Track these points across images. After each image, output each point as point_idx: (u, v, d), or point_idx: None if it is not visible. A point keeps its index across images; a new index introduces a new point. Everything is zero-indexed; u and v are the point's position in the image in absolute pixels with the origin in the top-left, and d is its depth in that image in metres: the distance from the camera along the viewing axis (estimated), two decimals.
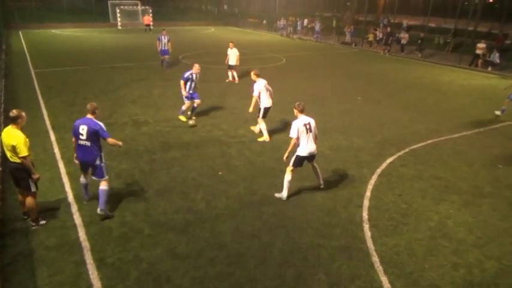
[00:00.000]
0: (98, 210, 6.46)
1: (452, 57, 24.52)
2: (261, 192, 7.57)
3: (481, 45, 21.81)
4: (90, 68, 18.80)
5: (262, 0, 55.45)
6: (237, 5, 51.56)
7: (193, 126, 10.86)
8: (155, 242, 6.02)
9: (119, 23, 38.65)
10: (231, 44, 16.28)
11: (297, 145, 7.16)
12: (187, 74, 10.81)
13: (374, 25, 32.69)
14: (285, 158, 7.27)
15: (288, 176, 7.29)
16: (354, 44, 30.58)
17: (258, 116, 9.99)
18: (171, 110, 12.38)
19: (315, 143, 7.23)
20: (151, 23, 36.55)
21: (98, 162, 6.41)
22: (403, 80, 18.56)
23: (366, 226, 6.56)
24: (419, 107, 13.86)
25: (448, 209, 7.21)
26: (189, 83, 10.86)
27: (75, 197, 7.09)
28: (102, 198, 6.48)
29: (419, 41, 25.75)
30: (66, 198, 7.08)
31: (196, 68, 10.80)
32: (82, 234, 6.12)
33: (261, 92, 9.70)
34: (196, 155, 9.17)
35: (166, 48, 18.31)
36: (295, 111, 7.17)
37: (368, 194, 7.63)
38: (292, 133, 7.07)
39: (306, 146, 7.15)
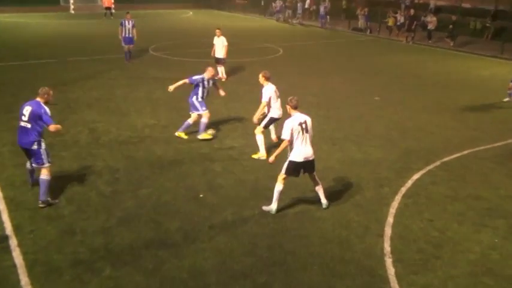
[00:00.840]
0: (39, 203, 7.49)
1: (493, 46, 24.94)
2: (254, 219, 7.54)
3: None
4: (34, 63, 18.76)
5: None
6: None
7: (211, 137, 10.82)
8: (118, 285, 5.95)
9: (72, 6, 38.76)
10: (217, 31, 16.43)
11: (290, 148, 7.44)
12: (197, 78, 10.58)
13: (394, 7, 33.19)
14: (270, 160, 7.69)
15: (278, 186, 7.57)
16: (369, 31, 30.98)
17: (259, 125, 9.99)
18: (139, 116, 12.37)
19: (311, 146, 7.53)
20: (112, 6, 36.71)
21: (35, 146, 7.39)
22: (431, 75, 18.79)
23: (389, 261, 6.56)
24: (451, 108, 14.02)
25: (492, 237, 7.25)
26: (200, 90, 10.65)
27: (16, 228, 7.00)
28: (42, 189, 7.47)
29: (450, 26, 26.19)
30: (3, 230, 6.98)
31: (210, 72, 10.63)
32: (24, 277, 6.01)
33: (271, 98, 9.79)
34: (171, 172, 9.13)
35: (130, 35, 18.49)
36: (288, 107, 7.49)
37: (390, 219, 7.64)
38: (285, 134, 7.37)
39: (301, 150, 7.41)
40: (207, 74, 10.64)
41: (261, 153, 9.95)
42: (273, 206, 7.64)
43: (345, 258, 6.60)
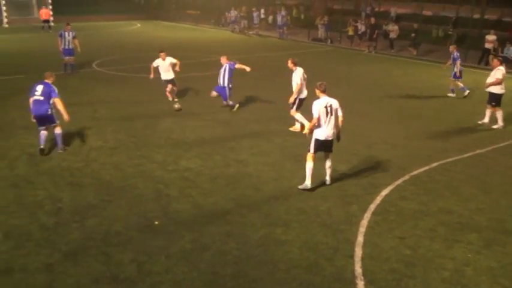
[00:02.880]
0: (58, 150, 11.06)
1: None
2: (215, 246, 7.49)
3: (491, 37, 23.37)
4: None
5: None
6: None
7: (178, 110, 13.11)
8: None
9: (5, 20, 37.85)
10: (162, 54, 15.25)
11: (316, 127, 9.08)
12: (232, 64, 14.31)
13: (354, 15, 34.24)
14: (305, 131, 9.79)
15: (309, 163, 9.19)
16: (329, 41, 31.74)
17: (292, 108, 12.69)
18: (83, 138, 12.12)
19: (336, 126, 9.18)
20: (50, 18, 36.13)
21: (49, 112, 10.69)
22: (395, 85, 19.40)
23: (360, 283, 6.63)
24: (417, 119, 14.49)
25: (466, 252, 7.47)
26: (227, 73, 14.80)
27: None
28: (59, 140, 11.06)
29: (413, 35, 27.20)
30: None
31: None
32: None
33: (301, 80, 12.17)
34: (121, 199, 8.98)
35: (70, 46, 18.88)
36: (317, 91, 9.23)
37: (360, 239, 7.75)
38: (314, 112, 9.03)
39: (324, 129, 9.07)
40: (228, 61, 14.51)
41: (301, 124, 12.62)
42: (307, 182, 9.22)
43: (314, 283, 6.63)
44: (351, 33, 30.71)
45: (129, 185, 9.54)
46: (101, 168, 10.38)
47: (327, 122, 9.05)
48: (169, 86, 15.58)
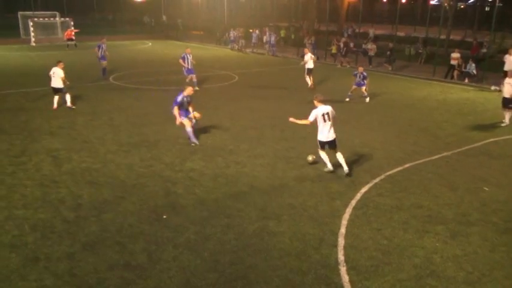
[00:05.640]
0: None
1: (426, 69, 26.12)
2: (216, 236, 7.47)
3: (455, 55, 23.46)
4: None
5: (208, 10, 56.60)
6: (179, 15, 52.13)
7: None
8: None
9: (33, 39, 37.73)
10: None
11: (318, 130, 9.81)
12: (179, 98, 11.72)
13: (338, 35, 34.27)
14: (290, 119, 10.02)
15: (321, 153, 10.07)
16: (316, 58, 31.74)
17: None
18: (101, 143, 12.08)
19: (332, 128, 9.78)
20: (73, 37, 36.07)
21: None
22: (373, 96, 19.41)
23: (343, 269, 6.63)
24: (392, 126, 14.52)
25: (434, 242, 7.49)
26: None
27: None
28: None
29: (388, 53, 27.26)
30: None
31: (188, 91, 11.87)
32: None
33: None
34: (134, 196, 8.95)
35: (104, 54, 21.86)
36: (315, 101, 9.79)
37: (343, 230, 7.76)
38: (311, 117, 9.71)
39: (323, 132, 9.76)
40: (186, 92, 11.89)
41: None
42: (329, 165, 10.06)
43: (303, 269, 6.63)
44: (334, 51, 30.74)
45: (141, 184, 9.52)
46: (117, 168, 10.34)
47: (325, 126, 9.71)
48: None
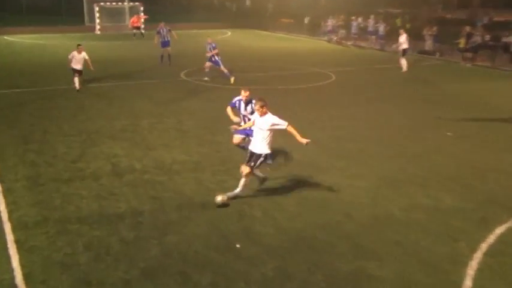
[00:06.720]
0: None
1: None
2: (300, 276, 7.40)
3: None
4: (53, 89, 19.61)
5: None
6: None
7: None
8: None
9: (98, 27, 40.47)
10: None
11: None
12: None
13: (469, 25, 32.85)
14: (305, 142, 9.35)
15: None
16: (438, 54, 30.73)
17: None
18: (167, 150, 12.58)
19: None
20: (141, 26, 38.12)
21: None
22: None
23: None
24: None
25: None
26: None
27: (26, 277, 7.14)
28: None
29: None
30: (13, 278, 7.13)
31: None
32: None
33: None
34: (202, 217, 9.16)
35: (166, 39, 24.90)
36: (264, 109, 9.41)
37: (468, 283, 7.31)
38: (283, 121, 9.41)
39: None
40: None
41: None
42: None
43: None
44: (462, 45, 29.54)
45: (211, 203, 9.71)
46: (184, 182, 10.69)
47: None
48: None
